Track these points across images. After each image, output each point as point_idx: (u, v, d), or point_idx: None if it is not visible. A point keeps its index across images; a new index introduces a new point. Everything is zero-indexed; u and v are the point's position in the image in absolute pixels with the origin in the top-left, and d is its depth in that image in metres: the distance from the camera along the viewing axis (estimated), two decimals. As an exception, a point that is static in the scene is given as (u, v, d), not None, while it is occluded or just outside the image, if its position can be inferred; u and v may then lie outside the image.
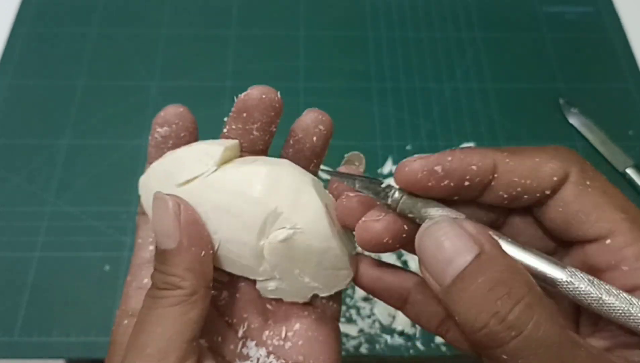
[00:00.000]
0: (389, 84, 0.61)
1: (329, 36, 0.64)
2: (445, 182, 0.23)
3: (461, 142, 0.56)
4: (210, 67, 0.61)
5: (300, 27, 0.65)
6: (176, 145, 0.29)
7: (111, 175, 0.54)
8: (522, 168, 0.23)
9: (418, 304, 0.26)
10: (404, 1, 0.68)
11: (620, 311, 0.20)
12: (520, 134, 0.57)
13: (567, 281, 0.21)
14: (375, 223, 0.24)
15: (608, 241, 0.22)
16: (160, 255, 0.25)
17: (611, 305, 0.21)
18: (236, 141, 0.28)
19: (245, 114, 0.28)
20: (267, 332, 0.28)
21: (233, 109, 0.28)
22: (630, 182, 0.54)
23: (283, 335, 0.28)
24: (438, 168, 0.22)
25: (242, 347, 0.28)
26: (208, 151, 0.27)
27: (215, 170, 0.27)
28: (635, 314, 0.20)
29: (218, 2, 0.67)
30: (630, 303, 0.20)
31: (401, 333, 0.47)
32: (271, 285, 0.27)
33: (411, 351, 0.46)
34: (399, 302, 0.27)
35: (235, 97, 0.28)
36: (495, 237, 0.22)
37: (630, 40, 0.64)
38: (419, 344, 0.46)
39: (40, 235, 0.50)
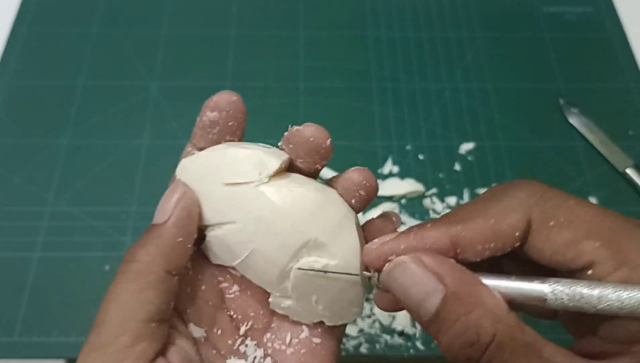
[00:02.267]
0: (389, 84, 0.61)
1: (329, 36, 0.64)
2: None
3: (461, 142, 0.56)
4: (210, 67, 0.61)
5: (300, 27, 0.65)
6: (222, 133, 0.29)
7: (111, 175, 0.54)
8: (480, 235, 0.22)
9: None
10: (404, 1, 0.68)
11: (613, 300, 0.20)
12: (520, 134, 0.57)
13: (551, 292, 0.21)
14: (381, 302, 0.26)
15: (590, 272, 0.21)
16: (149, 229, 0.26)
17: (603, 298, 0.21)
18: (289, 157, 0.28)
19: (292, 146, 0.27)
20: (268, 335, 0.28)
21: (284, 137, 0.28)
22: (630, 182, 0.54)
23: (287, 341, 0.28)
24: (392, 258, 0.23)
25: (240, 344, 0.28)
26: (265, 161, 0.27)
27: (266, 181, 0.27)
28: (627, 298, 0.20)
29: (218, 2, 0.67)
30: (618, 290, 0.20)
31: (401, 333, 0.47)
32: (285, 302, 0.27)
33: (411, 351, 0.46)
34: None
35: (290, 126, 0.28)
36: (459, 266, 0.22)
37: (630, 40, 0.64)
38: (419, 344, 0.46)
39: (40, 235, 0.50)
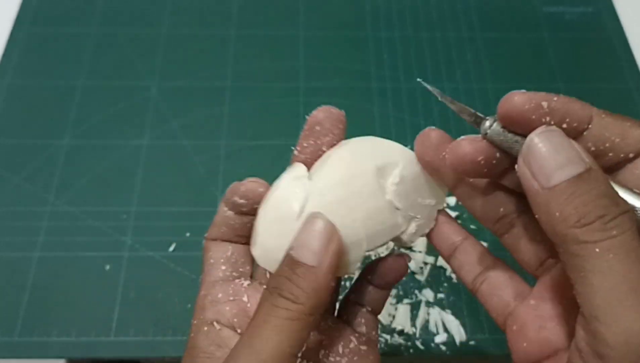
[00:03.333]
0: (389, 84, 0.61)
1: (329, 36, 0.64)
2: (547, 119, 0.24)
3: (461, 142, 0.56)
4: (210, 67, 0.61)
5: (300, 27, 0.65)
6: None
7: (111, 175, 0.54)
8: (614, 126, 0.24)
9: (463, 255, 0.30)
10: (404, 1, 0.68)
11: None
12: (520, 134, 0.57)
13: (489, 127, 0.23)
14: (467, 144, 0.26)
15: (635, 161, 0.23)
16: (293, 264, 0.25)
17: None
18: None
19: (318, 127, 0.29)
20: (322, 351, 0.29)
21: (304, 128, 0.29)
22: (630, 182, 0.54)
23: (340, 351, 0.29)
24: (545, 103, 0.24)
25: None
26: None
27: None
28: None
29: (218, 2, 0.67)
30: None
31: (401, 333, 0.47)
32: (412, 226, 0.29)
33: (411, 351, 0.46)
34: (448, 251, 0.30)
35: (306, 116, 0.29)
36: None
37: (630, 40, 0.64)
38: (418, 344, 0.46)
39: (40, 235, 0.50)
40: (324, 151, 0.29)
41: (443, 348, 0.46)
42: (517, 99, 0.24)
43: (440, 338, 0.46)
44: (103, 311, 0.47)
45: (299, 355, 0.25)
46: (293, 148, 0.30)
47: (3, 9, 0.65)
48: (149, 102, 0.59)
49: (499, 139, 0.25)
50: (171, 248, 0.50)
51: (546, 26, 0.66)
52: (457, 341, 0.46)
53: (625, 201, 0.22)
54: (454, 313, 0.47)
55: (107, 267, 0.49)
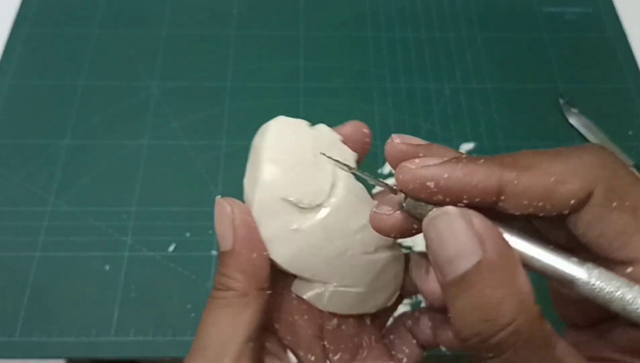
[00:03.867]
0: (389, 84, 0.61)
1: (329, 36, 0.64)
2: (439, 197, 0.21)
3: (461, 142, 0.56)
4: (210, 67, 0.61)
5: (300, 27, 0.65)
6: None
7: (111, 175, 0.54)
8: (532, 191, 0.20)
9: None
10: (404, 1, 0.68)
11: None
12: (520, 134, 0.57)
13: (584, 280, 0.19)
14: (385, 217, 0.23)
15: (629, 269, 0.19)
16: (219, 257, 0.26)
17: (635, 302, 0.19)
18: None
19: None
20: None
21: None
22: (630, 182, 0.54)
23: None
24: (430, 184, 0.21)
25: None
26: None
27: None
28: None
29: (218, 2, 0.67)
30: None
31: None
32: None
33: (411, 351, 0.46)
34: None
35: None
36: (506, 234, 0.21)
37: (630, 40, 0.64)
38: (419, 344, 0.46)
39: (41, 235, 0.50)
40: None
41: (443, 348, 0.46)
42: (401, 179, 0.22)
43: (440, 338, 0.46)
44: (103, 311, 0.47)
45: (251, 338, 0.25)
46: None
47: (3, 9, 0.65)
48: (149, 102, 0.59)
49: (415, 212, 0.22)
50: (171, 248, 0.50)
51: (546, 26, 0.66)
52: (457, 341, 0.46)
53: (524, 293, 0.19)
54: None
55: (107, 267, 0.49)
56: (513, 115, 0.59)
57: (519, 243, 0.21)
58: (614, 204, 0.19)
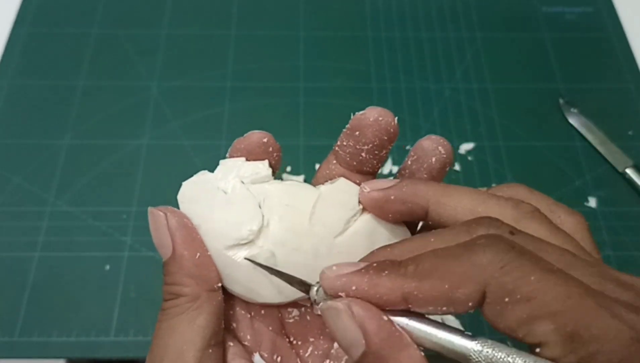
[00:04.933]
0: (389, 84, 0.61)
1: (329, 36, 0.64)
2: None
3: (461, 142, 0.56)
4: (210, 67, 0.61)
5: (300, 27, 0.65)
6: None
7: (111, 175, 0.54)
8: (432, 298, 0.21)
9: None
10: (404, 1, 0.68)
11: None
12: (520, 134, 0.57)
13: (476, 351, 0.20)
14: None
15: (537, 350, 0.20)
16: (164, 267, 0.25)
17: None
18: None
19: (357, 133, 0.27)
20: (327, 361, 0.28)
21: (347, 126, 0.28)
22: (630, 182, 0.54)
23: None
24: (342, 294, 0.22)
25: None
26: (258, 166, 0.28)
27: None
28: None
29: (218, 2, 0.67)
30: None
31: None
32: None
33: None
34: None
35: (352, 114, 0.28)
36: (397, 318, 0.22)
37: (630, 40, 0.64)
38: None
39: (40, 235, 0.50)
40: (363, 156, 0.28)
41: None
42: (322, 284, 0.23)
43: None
44: (103, 311, 0.47)
45: (210, 344, 0.24)
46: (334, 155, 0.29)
47: (3, 9, 0.65)
48: (149, 102, 0.59)
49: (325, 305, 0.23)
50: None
51: (546, 26, 0.66)
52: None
53: None
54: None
55: (107, 267, 0.49)
56: (513, 115, 0.59)
57: (411, 325, 0.22)
58: (506, 299, 0.20)
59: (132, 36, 0.63)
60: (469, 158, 0.55)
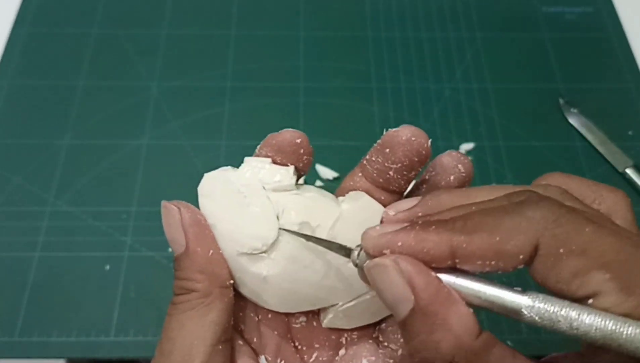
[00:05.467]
0: (389, 84, 0.61)
1: (329, 36, 0.64)
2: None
3: (461, 142, 0.56)
4: (210, 67, 0.61)
5: (300, 27, 0.65)
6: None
7: (111, 175, 0.54)
8: (482, 251, 0.21)
9: None
10: (404, 1, 0.68)
11: (595, 328, 0.19)
12: (520, 134, 0.57)
13: (528, 306, 0.20)
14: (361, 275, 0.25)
15: (590, 301, 0.20)
16: (175, 262, 0.25)
17: (584, 323, 0.19)
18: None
19: (388, 150, 0.26)
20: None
21: (378, 141, 0.27)
22: (630, 182, 0.54)
23: None
24: (387, 251, 0.22)
25: None
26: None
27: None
28: (612, 328, 0.19)
29: (218, 2, 0.67)
30: (605, 319, 0.19)
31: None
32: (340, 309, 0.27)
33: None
34: None
35: (385, 130, 0.27)
36: (444, 276, 0.21)
37: (630, 40, 0.64)
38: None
39: (40, 235, 0.50)
40: (390, 175, 0.26)
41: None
42: (364, 244, 0.23)
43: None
44: (103, 311, 0.47)
45: (220, 340, 0.24)
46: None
47: (3, 9, 0.65)
48: (149, 102, 0.59)
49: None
50: (171, 248, 0.50)
51: (546, 26, 0.66)
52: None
53: (459, 330, 0.20)
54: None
55: (107, 267, 0.49)
56: (513, 115, 0.59)
57: (459, 283, 0.21)
58: (561, 250, 0.20)
59: (132, 36, 0.63)
60: (469, 158, 0.55)
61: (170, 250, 0.50)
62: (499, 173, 0.55)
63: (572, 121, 0.58)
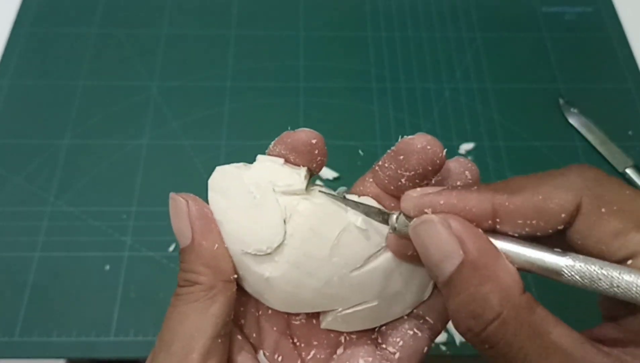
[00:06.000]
0: (389, 84, 0.61)
1: (329, 36, 0.64)
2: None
3: (461, 142, 0.56)
4: (210, 67, 0.61)
5: (300, 27, 0.65)
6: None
7: (111, 175, 0.54)
8: (524, 209, 0.21)
9: None
10: (404, 1, 0.68)
11: (636, 286, 0.19)
12: (520, 134, 0.57)
13: (569, 266, 0.20)
14: (392, 244, 0.25)
15: (630, 261, 0.20)
16: (181, 254, 0.26)
17: (625, 281, 0.19)
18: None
19: (402, 157, 0.25)
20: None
21: (392, 148, 0.26)
22: (630, 182, 0.54)
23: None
24: (428, 211, 0.22)
25: None
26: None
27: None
28: None
29: (218, 2, 0.67)
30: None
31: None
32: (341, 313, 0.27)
33: (411, 351, 0.46)
34: None
35: (400, 136, 0.26)
36: (489, 236, 0.22)
37: (630, 40, 0.64)
38: (419, 344, 0.46)
39: (40, 235, 0.50)
40: (402, 183, 0.26)
41: (443, 348, 0.46)
42: (404, 206, 0.23)
43: (440, 338, 0.46)
44: (103, 311, 0.47)
45: (220, 334, 0.24)
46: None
47: (3, 9, 0.65)
48: (149, 102, 0.59)
49: (407, 230, 0.24)
50: (171, 248, 0.50)
51: (546, 26, 0.66)
52: (457, 341, 0.46)
53: (507, 286, 0.21)
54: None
55: (107, 267, 0.49)
56: (513, 115, 0.59)
57: (501, 243, 0.22)
58: (603, 210, 0.20)
59: (132, 36, 0.63)
60: (469, 158, 0.55)
61: (170, 249, 0.50)
62: (499, 173, 0.55)
63: (572, 121, 0.58)
